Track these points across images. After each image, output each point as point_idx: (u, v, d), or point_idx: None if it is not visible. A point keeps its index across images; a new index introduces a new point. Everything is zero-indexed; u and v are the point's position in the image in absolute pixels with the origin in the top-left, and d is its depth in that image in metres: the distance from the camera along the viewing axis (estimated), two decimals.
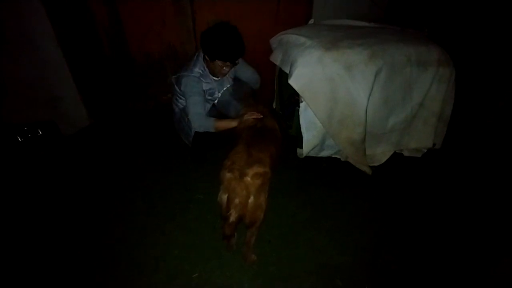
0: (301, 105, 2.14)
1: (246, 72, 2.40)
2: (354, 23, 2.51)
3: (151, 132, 2.81)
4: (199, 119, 2.13)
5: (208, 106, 2.29)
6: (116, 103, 2.97)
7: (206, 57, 2.10)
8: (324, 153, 2.42)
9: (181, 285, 1.68)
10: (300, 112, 2.17)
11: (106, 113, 2.96)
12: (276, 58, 2.42)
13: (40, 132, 2.48)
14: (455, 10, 2.65)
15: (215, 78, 2.22)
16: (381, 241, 1.95)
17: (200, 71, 2.13)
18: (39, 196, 2.19)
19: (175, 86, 2.25)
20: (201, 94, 2.15)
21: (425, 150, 2.50)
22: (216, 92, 2.27)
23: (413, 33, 2.37)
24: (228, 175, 1.54)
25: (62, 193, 2.22)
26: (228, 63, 2.07)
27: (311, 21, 2.62)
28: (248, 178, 1.51)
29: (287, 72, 2.14)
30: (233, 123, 2.10)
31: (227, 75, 2.27)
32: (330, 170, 2.44)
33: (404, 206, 2.18)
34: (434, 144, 2.45)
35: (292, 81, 2.04)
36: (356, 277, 1.76)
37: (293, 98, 2.31)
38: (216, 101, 2.34)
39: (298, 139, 2.32)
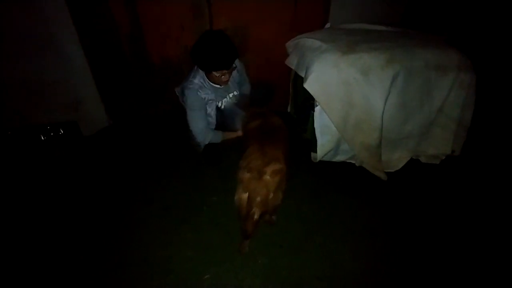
0: (316, 109, 2.14)
1: (244, 80, 2.46)
2: (371, 27, 2.49)
3: (167, 134, 2.86)
4: (203, 134, 2.18)
5: (208, 119, 2.29)
6: (135, 105, 3.04)
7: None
8: (339, 158, 2.41)
9: (192, 286, 1.69)
10: (315, 116, 2.17)
11: (124, 115, 3.04)
12: (292, 62, 2.43)
13: (62, 132, 2.57)
14: (476, 14, 2.58)
15: (218, 86, 2.20)
16: (395, 249, 1.90)
17: (200, 83, 2.12)
18: (56, 193, 2.26)
19: (180, 97, 2.28)
20: (203, 107, 2.16)
21: (444, 157, 2.44)
22: (215, 103, 2.24)
23: (431, 38, 2.33)
24: (247, 175, 1.59)
25: (78, 192, 2.28)
26: (224, 71, 2.05)
27: (328, 25, 2.62)
28: (267, 177, 1.57)
29: (303, 76, 2.15)
30: (238, 133, 2.18)
31: (230, 81, 2.24)
32: (345, 175, 2.41)
33: (420, 214, 2.12)
34: (453, 151, 2.40)
35: (307, 85, 2.04)
36: (368, 284, 1.73)
37: (308, 102, 2.31)
38: (222, 107, 2.33)
39: (312, 143, 2.32)
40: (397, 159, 2.42)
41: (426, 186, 2.34)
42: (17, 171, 2.43)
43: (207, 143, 2.24)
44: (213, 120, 2.30)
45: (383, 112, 2.06)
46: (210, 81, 2.16)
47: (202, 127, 2.17)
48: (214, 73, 2.04)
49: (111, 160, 2.59)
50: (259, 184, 1.57)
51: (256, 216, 1.59)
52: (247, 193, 1.60)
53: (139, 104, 3.05)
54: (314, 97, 2.07)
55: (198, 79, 2.13)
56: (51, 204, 2.18)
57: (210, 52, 1.95)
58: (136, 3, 2.51)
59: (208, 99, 2.18)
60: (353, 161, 2.42)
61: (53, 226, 2.03)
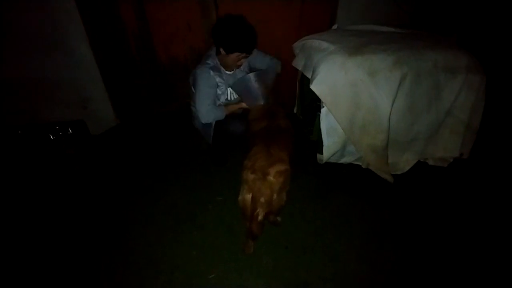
0: (323, 110, 2.13)
1: (264, 61, 2.36)
2: (379, 28, 2.47)
3: (174, 133, 2.88)
4: (208, 112, 2.12)
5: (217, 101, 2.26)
6: (142, 104, 3.07)
7: (221, 51, 2.06)
8: (345, 160, 2.40)
9: (197, 285, 1.70)
10: (321, 118, 2.16)
11: (132, 114, 3.07)
12: (299, 63, 2.42)
13: (71, 131, 2.60)
14: (485, 15, 2.54)
15: (227, 72, 2.20)
16: (400, 251, 1.89)
17: (213, 63, 2.14)
18: (65, 191, 2.30)
19: (192, 87, 2.25)
20: (213, 86, 2.14)
21: (452, 160, 2.42)
22: (224, 87, 2.22)
23: (440, 39, 2.30)
24: (252, 176, 1.60)
25: (86, 190, 2.32)
26: (244, 54, 2.07)
27: (335, 26, 2.60)
28: (271, 178, 1.58)
29: (309, 77, 2.14)
30: (242, 104, 2.23)
31: (240, 68, 2.26)
32: (351, 177, 2.40)
33: (427, 217, 2.11)
34: (461, 154, 2.36)
35: (313, 87, 2.03)
36: (373, 286, 1.72)
37: (314, 103, 2.30)
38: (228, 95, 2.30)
39: (318, 144, 2.31)
40: (404, 162, 2.40)
41: (433, 189, 2.32)
42: (26, 169, 2.47)
43: (210, 121, 2.19)
44: (221, 103, 2.28)
45: (390, 114, 2.05)
46: (223, 65, 2.18)
47: (207, 105, 2.12)
48: (236, 53, 2.04)
49: (119, 159, 2.62)
50: (263, 185, 1.58)
51: (260, 217, 1.60)
52: (251, 193, 1.60)
53: (147, 103, 3.08)
54: (321, 98, 2.06)
55: (211, 60, 2.15)
56: (59, 202, 2.21)
57: (240, 33, 1.99)
58: (144, 3, 2.54)
59: (218, 81, 2.18)
60: (359, 163, 2.40)
61: (61, 224, 2.06)
